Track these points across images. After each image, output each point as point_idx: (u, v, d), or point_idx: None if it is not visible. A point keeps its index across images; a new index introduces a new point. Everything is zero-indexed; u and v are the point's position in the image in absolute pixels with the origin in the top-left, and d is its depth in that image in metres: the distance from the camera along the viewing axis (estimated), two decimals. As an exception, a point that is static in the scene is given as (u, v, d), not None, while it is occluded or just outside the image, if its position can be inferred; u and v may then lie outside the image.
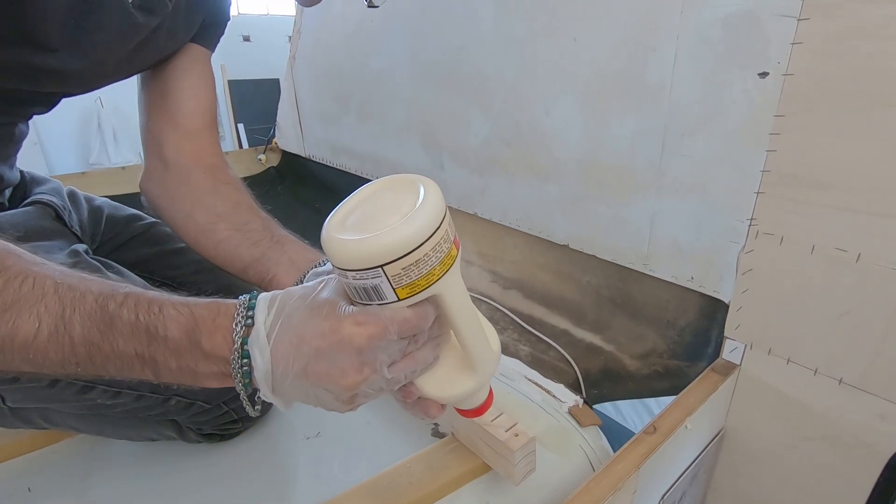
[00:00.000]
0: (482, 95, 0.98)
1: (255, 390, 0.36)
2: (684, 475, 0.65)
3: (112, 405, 0.53)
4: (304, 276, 0.50)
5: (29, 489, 0.59)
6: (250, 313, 0.35)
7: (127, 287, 0.35)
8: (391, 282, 0.32)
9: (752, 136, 0.62)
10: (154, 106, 0.63)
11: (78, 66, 0.50)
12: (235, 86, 4.56)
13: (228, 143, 5.43)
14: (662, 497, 0.62)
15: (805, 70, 0.55)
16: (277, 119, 1.70)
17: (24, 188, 0.62)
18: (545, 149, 0.89)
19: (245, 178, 1.71)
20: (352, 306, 0.34)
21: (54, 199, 0.60)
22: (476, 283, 1.11)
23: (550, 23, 0.82)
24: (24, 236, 0.52)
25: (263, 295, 0.36)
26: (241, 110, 4.64)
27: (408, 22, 1.10)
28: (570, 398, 0.69)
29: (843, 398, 0.60)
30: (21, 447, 0.64)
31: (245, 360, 0.34)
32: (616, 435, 0.72)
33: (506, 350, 0.86)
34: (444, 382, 0.40)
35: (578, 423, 0.65)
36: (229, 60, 4.70)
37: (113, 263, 0.57)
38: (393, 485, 0.54)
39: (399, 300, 0.33)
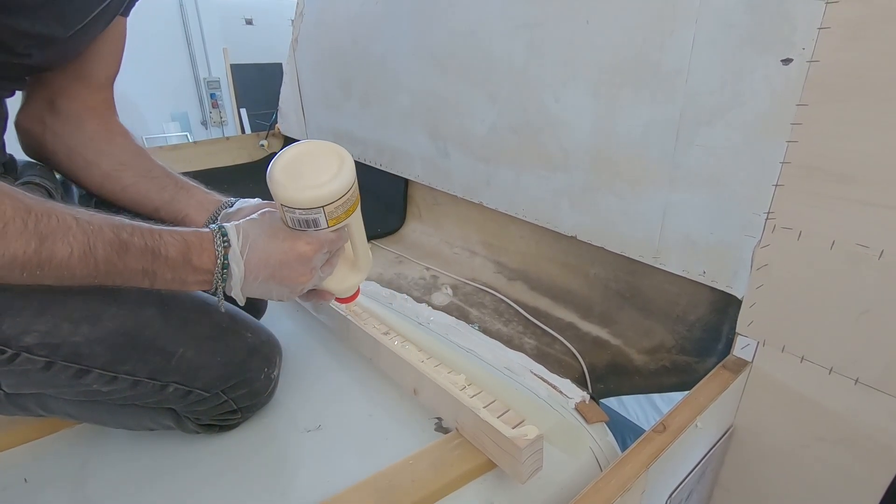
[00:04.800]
0: (489, 81, 0.95)
1: (226, 294, 0.51)
2: (692, 474, 0.64)
3: (108, 392, 0.52)
4: (218, 216, 0.63)
5: (25, 480, 0.58)
6: (225, 239, 0.49)
7: (128, 221, 0.46)
8: (326, 216, 0.51)
9: (773, 125, 0.59)
10: None
11: (62, 33, 0.51)
12: (238, 70, 4.52)
13: (231, 128, 5.39)
14: (670, 496, 0.61)
15: (832, 57, 0.52)
16: (280, 104, 1.67)
17: (14, 172, 0.61)
18: (554, 137, 0.87)
19: (247, 164, 1.70)
20: (295, 231, 0.52)
21: (46, 182, 0.59)
22: (480, 274, 1.09)
23: (562, 5, 0.79)
24: None
25: (229, 225, 0.51)
26: (244, 95, 4.60)
27: (413, 4, 1.07)
28: (577, 394, 0.67)
29: (859, 399, 0.58)
30: (17, 437, 0.63)
31: (225, 271, 0.49)
32: (621, 429, 0.71)
33: (510, 343, 0.85)
34: (339, 278, 0.60)
35: (585, 419, 0.64)
36: (232, 44, 4.65)
37: None
38: (396, 482, 0.53)
39: (328, 227, 0.52)
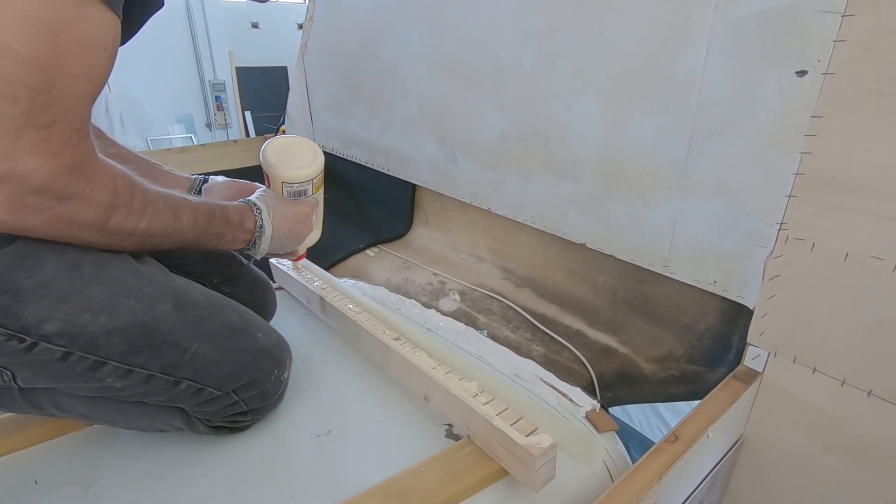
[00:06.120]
0: (499, 88, 0.96)
1: (252, 255, 0.67)
2: (703, 484, 0.64)
3: (121, 387, 0.52)
4: (197, 190, 0.75)
5: (35, 482, 0.58)
6: (256, 207, 0.65)
7: (205, 199, 0.61)
8: (313, 186, 0.72)
9: (785, 137, 0.60)
10: None
11: (123, 38, 0.54)
12: (243, 73, 4.52)
13: (235, 131, 5.40)
14: (681, 506, 0.61)
15: (848, 69, 0.52)
16: (287, 108, 1.67)
17: None
18: (563, 145, 0.87)
19: (254, 167, 1.70)
20: (294, 199, 0.72)
21: None
22: (487, 280, 1.09)
23: (574, 14, 0.80)
24: None
25: (253, 198, 0.66)
26: (248, 98, 4.61)
27: (422, 11, 1.08)
28: (587, 402, 0.67)
29: (872, 411, 0.58)
30: (28, 439, 0.63)
31: (261, 229, 0.65)
32: (625, 437, 0.70)
33: (519, 350, 0.85)
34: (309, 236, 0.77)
35: (596, 428, 0.64)
36: (237, 47, 4.67)
37: None
38: (407, 488, 0.52)
39: (313, 195, 0.73)
